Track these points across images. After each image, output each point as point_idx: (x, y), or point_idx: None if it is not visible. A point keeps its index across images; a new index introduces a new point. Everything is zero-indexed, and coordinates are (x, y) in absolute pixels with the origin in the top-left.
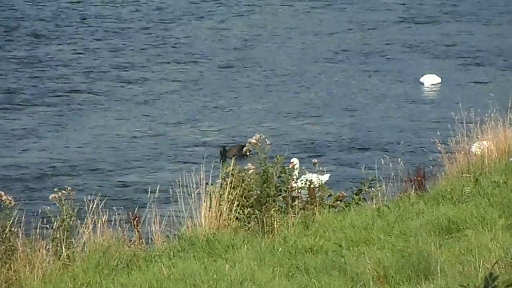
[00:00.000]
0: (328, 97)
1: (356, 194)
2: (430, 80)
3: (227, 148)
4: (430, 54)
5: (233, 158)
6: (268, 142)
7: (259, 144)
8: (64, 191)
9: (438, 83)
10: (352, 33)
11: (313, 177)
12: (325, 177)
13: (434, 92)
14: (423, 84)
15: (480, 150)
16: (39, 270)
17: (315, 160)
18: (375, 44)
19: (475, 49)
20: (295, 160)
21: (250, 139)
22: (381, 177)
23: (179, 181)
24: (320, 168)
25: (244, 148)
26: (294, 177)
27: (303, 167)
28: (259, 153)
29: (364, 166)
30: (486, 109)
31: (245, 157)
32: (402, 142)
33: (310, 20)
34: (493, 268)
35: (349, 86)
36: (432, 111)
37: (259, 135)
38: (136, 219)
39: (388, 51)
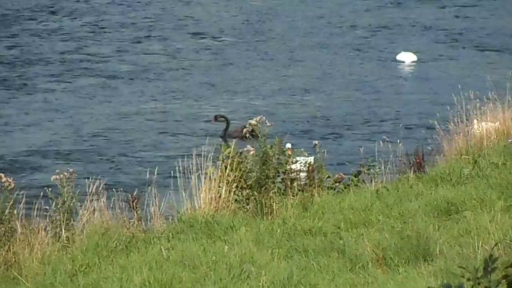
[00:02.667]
0: (319, 76)
1: (355, 176)
2: (407, 58)
3: (230, 129)
4: (406, 33)
5: (237, 138)
6: (268, 124)
7: (259, 126)
8: (65, 173)
9: (415, 61)
10: (350, 13)
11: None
12: (309, 159)
13: (414, 70)
14: (403, 62)
15: (479, 131)
16: (38, 251)
17: (316, 142)
18: (360, 24)
19: (451, 29)
20: (288, 145)
21: (250, 121)
22: (380, 159)
23: (178, 163)
24: (321, 149)
25: (244, 130)
26: (290, 160)
27: (302, 149)
28: (259, 135)
29: (363, 147)
30: (470, 88)
31: (245, 138)
32: (401, 124)
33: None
34: (492, 249)
35: (336, 67)
36: (421, 90)
37: (260, 117)
38: (135, 200)
39: (365, 30)
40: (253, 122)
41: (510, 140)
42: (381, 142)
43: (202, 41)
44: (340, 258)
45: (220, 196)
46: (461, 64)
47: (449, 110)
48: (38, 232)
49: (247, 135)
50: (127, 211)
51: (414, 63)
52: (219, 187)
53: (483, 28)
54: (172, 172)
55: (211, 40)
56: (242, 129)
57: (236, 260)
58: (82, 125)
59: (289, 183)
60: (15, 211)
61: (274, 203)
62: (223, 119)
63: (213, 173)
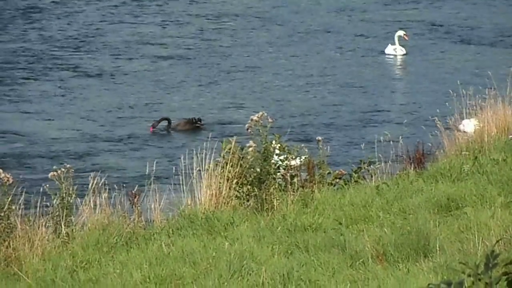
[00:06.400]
0: (312, 72)
1: (355, 172)
2: (396, 51)
3: (172, 122)
4: (396, 28)
5: (181, 131)
6: (270, 120)
7: (261, 121)
8: (63, 169)
9: (404, 54)
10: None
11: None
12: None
13: (407, 64)
14: (392, 55)
15: (479, 127)
16: (38, 248)
17: (319, 138)
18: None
19: (440, 24)
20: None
21: (252, 116)
22: (380, 155)
23: (179, 159)
24: (322, 146)
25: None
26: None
27: (303, 145)
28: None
29: (363, 143)
30: (467, 83)
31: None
32: (401, 120)
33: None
34: (494, 246)
35: (325, 61)
36: (417, 85)
37: (262, 113)
38: (136, 196)
39: (353, 25)
40: (255, 118)
41: (510, 137)
42: (381, 138)
43: (202, 28)
44: (340, 254)
45: (220, 192)
46: (453, 58)
47: (449, 106)
48: (38, 228)
49: (199, 124)
50: (128, 207)
51: (404, 56)
52: (220, 183)
53: (472, 23)
54: (172, 168)
55: (211, 25)
56: (185, 122)
57: (236, 256)
58: (82, 120)
59: (289, 179)
60: (14, 207)
61: (275, 199)
62: (165, 120)
63: (213, 169)
